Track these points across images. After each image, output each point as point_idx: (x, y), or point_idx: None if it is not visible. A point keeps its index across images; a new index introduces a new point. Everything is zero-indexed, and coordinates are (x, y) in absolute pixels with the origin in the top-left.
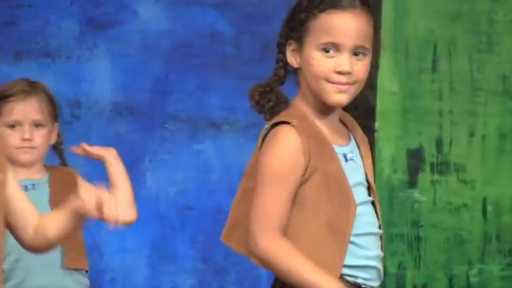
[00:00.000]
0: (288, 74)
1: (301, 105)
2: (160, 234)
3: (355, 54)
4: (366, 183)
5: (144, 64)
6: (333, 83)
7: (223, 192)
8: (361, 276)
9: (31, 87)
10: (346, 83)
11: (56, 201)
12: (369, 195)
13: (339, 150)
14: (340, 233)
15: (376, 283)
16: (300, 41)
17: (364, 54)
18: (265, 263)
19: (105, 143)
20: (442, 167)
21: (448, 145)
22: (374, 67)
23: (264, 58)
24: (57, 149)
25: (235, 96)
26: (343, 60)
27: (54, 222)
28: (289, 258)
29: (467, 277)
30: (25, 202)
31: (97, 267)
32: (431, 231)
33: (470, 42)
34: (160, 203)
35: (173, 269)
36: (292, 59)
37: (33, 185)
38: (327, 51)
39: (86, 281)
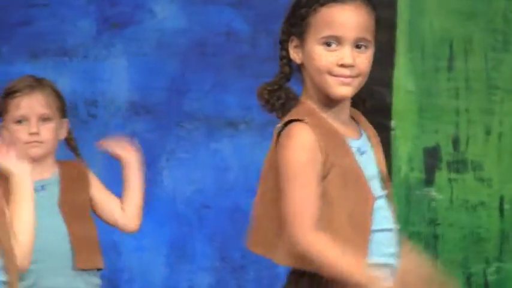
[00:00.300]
0: (293, 70)
1: (308, 102)
2: (178, 233)
3: (357, 47)
4: (379, 176)
5: (160, 63)
6: (336, 76)
7: (240, 191)
8: None
9: (37, 83)
10: (349, 76)
11: (64, 202)
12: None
13: (353, 143)
14: (361, 228)
15: (389, 282)
16: (301, 36)
17: (366, 46)
18: (308, 260)
19: None
20: (458, 166)
21: (464, 143)
22: (390, 66)
23: None
24: (69, 144)
25: (251, 94)
26: (345, 53)
27: (14, 224)
28: (331, 252)
29: (485, 275)
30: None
31: (115, 266)
32: (448, 230)
33: (486, 41)
34: (178, 202)
35: (191, 267)
36: (294, 55)
37: (42, 186)
38: (328, 44)
39: (98, 281)
